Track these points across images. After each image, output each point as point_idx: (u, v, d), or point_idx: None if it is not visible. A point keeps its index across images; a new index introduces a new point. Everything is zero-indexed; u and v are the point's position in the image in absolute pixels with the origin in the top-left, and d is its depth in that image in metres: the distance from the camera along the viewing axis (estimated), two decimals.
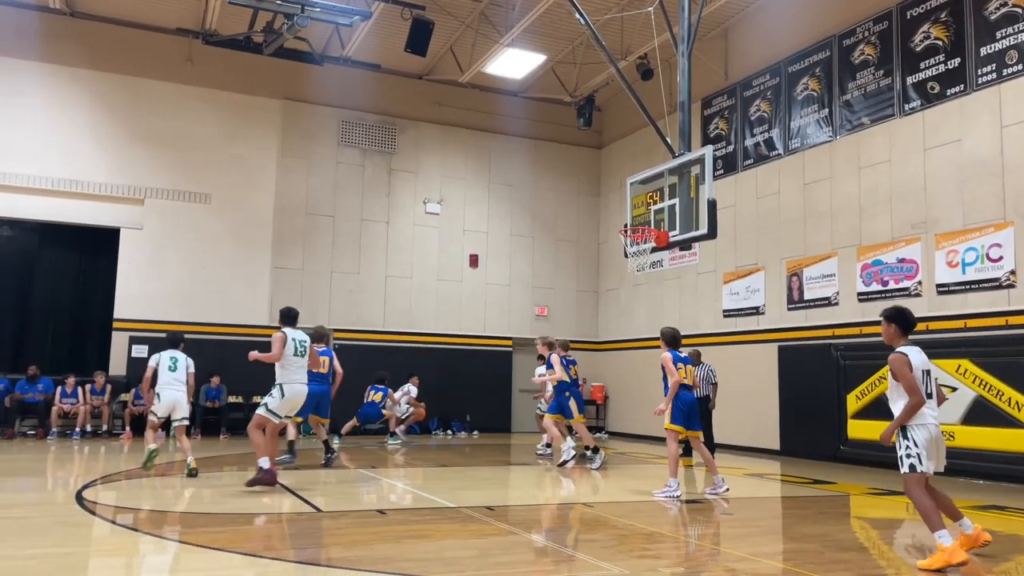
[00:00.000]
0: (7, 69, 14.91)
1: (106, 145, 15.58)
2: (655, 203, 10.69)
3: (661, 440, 15.13)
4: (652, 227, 10.56)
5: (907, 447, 5.55)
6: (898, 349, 5.65)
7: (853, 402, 12.24)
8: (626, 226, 11.18)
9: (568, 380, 11.15)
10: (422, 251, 17.92)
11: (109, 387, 14.64)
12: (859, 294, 12.52)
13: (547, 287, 19.07)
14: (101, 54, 15.59)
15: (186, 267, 15.84)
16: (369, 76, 17.36)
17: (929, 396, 5.59)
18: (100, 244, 15.63)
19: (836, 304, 12.90)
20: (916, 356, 5.60)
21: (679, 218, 10.21)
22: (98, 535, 6.22)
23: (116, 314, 15.35)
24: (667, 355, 8.74)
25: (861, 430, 12.07)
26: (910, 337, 5.85)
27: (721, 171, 15.13)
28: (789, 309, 13.80)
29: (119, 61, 15.70)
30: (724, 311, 15.25)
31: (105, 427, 14.49)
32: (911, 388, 5.46)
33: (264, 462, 8.09)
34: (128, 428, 14.47)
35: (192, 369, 9.42)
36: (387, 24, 15.26)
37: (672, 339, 8.87)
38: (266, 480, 8.06)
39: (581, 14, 11.39)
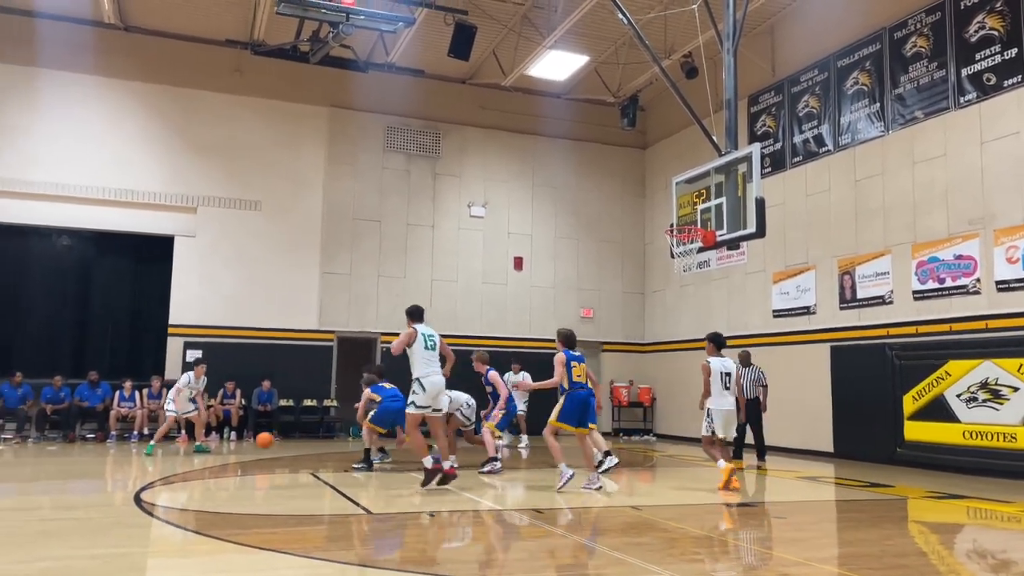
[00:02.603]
0: (64, 83, 15.41)
1: (160, 155, 16.01)
2: (701, 202, 10.56)
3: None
4: (699, 227, 10.43)
5: (707, 421, 9.17)
6: (708, 359, 9.27)
7: (910, 403, 11.92)
8: (672, 226, 11.06)
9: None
10: (467, 254, 18.00)
11: (165, 391, 14.97)
12: (915, 292, 12.19)
13: (592, 289, 18.98)
14: (154, 66, 16.01)
15: (237, 273, 16.16)
16: (413, 82, 17.51)
17: (727, 389, 9.22)
18: (155, 252, 16.04)
19: (891, 303, 12.58)
20: (716, 364, 9.25)
21: (726, 217, 10.07)
22: (156, 536, 6.38)
23: (171, 320, 15.74)
24: (561, 355, 8.84)
25: (919, 432, 11.75)
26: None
27: (769, 169, 14.88)
28: (841, 308, 13.50)
29: (171, 73, 16.12)
30: (774, 311, 14.98)
31: None
32: (705, 385, 9.20)
33: (427, 461, 8.35)
34: (183, 431, 14.79)
35: None
36: (430, 30, 15.38)
37: (566, 339, 9.02)
38: (433, 473, 8.35)
39: (624, 14, 11.32)
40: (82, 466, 11.16)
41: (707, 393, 9.16)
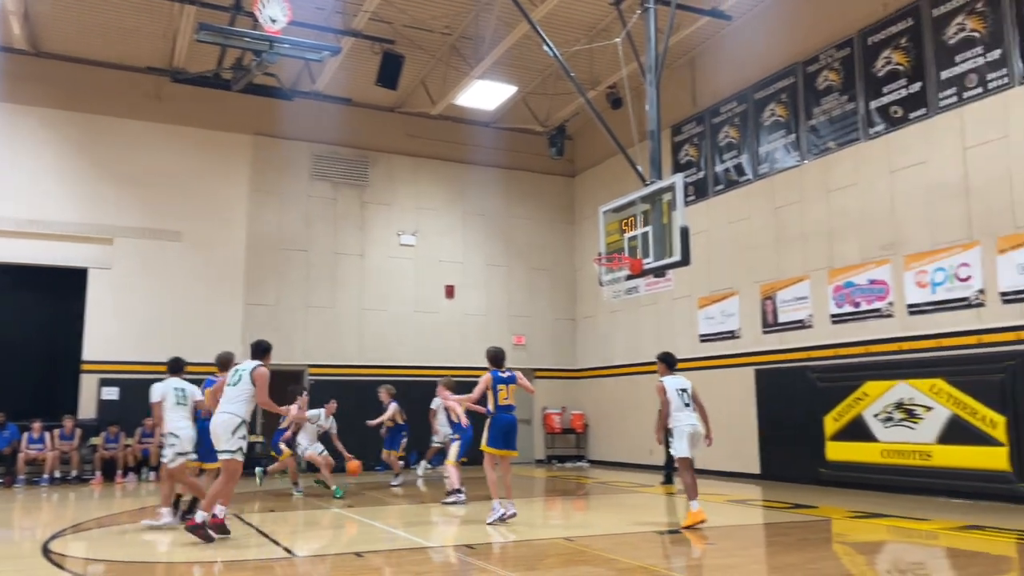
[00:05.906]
0: None
1: (73, 185, 15.36)
2: (629, 230, 10.74)
3: (642, 467, 15.05)
4: (626, 254, 10.59)
5: (672, 442, 8.60)
6: (661, 379, 8.87)
7: (831, 424, 12.27)
8: (600, 254, 11.20)
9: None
10: (398, 283, 17.82)
11: (79, 431, 14.27)
12: (832, 316, 12.61)
13: (524, 315, 19.01)
14: (67, 93, 15.40)
15: (157, 306, 15.57)
16: (340, 110, 17.35)
17: (687, 405, 8.65)
18: (68, 285, 15.31)
19: (810, 327, 12.98)
20: (670, 381, 8.74)
21: (652, 245, 10.26)
22: None
23: (85, 356, 15.04)
24: (487, 376, 8.82)
25: (840, 452, 12.09)
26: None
27: (692, 197, 15.24)
28: (764, 332, 13.87)
29: (86, 100, 15.53)
30: (700, 336, 15.28)
31: (75, 473, 14.10)
32: (663, 406, 8.74)
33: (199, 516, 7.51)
34: (99, 473, 14.12)
35: None
36: (357, 59, 15.29)
37: (494, 358, 9.00)
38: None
39: (549, 46, 11.49)
40: None
41: (666, 413, 8.61)
